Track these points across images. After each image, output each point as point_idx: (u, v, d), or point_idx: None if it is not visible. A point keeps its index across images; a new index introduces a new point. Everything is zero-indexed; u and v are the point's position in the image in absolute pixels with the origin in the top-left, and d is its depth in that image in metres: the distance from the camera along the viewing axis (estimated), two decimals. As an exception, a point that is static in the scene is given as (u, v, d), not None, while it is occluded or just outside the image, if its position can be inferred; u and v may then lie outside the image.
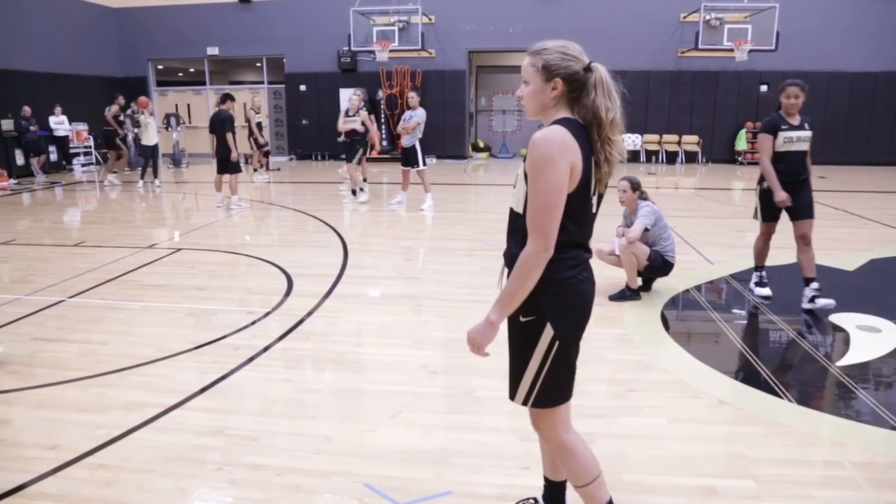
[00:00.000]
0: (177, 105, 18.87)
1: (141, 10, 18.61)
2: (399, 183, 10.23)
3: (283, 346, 4.38)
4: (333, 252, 7.00)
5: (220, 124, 9.54)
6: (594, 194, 2.07)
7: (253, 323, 4.81)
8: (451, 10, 16.69)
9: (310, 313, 5.02)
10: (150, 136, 12.82)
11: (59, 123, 15.25)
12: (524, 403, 2.16)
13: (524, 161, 1.99)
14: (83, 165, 16.41)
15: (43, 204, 11.57)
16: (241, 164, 10.23)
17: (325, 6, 17.10)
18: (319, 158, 18.11)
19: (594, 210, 2.11)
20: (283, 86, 18.34)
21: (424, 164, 9.70)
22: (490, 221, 8.67)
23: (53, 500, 2.73)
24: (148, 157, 12.96)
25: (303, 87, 17.96)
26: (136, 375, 3.92)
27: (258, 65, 20.96)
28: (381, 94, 17.21)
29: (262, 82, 19.10)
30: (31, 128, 14.35)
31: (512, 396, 2.18)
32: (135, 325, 4.86)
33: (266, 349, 4.31)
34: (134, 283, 5.96)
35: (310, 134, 18.14)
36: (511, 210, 2.11)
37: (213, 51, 18.44)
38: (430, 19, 16.53)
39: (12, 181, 13.58)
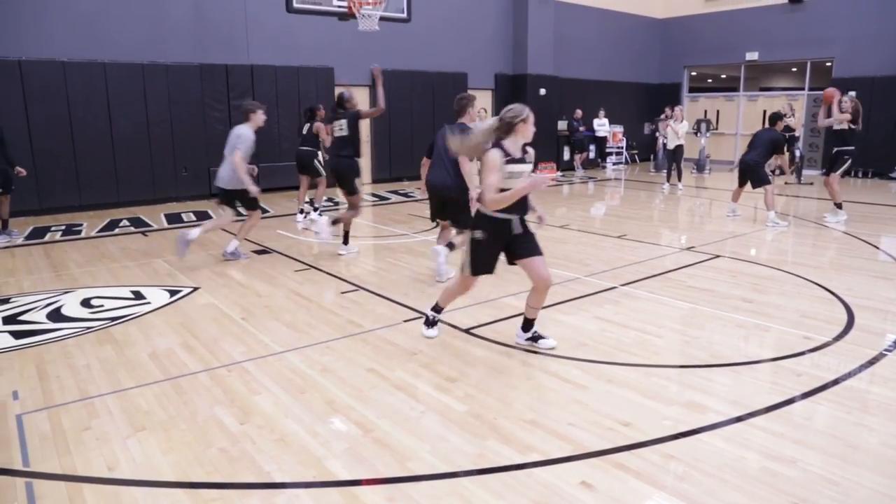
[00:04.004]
0: (706, 111, 18.95)
1: (683, 19, 19.25)
2: None
3: (853, 385, 3.87)
4: (899, 286, 5.99)
5: (769, 144, 9.08)
6: None
7: (812, 350, 4.40)
8: None
9: (882, 354, 4.35)
10: (673, 139, 13.20)
11: (601, 125, 16.94)
12: None
13: None
14: (614, 164, 17.95)
15: (581, 195, 13.03)
16: (770, 176, 9.54)
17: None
18: (860, 175, 15.91)
19: None
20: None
21: None
22: None
23: (632, 474, 2.93)
24: (671, 160, 13.41)
25: (851, 94, 15.93)
26: (694, 376, 3.96)
27: (793, 69, 19.54)
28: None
29: (800, 88, 17.69)
30: (580, 128, 16.35)
31: None
32: (685, 324, 4.96)
33: (833, 383, 3.88)
34: (678, 282, 6.13)
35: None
36: None
37: (752, 56, 17.87)
38: None
39: (559, 174, 15.73)
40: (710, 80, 22.04)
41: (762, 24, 17.44)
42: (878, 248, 7.74)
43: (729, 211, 9.98)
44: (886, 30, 15.15)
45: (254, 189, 6.86)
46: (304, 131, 9.75)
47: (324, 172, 9.49)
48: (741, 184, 9.57)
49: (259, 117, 7.06)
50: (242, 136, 6.90)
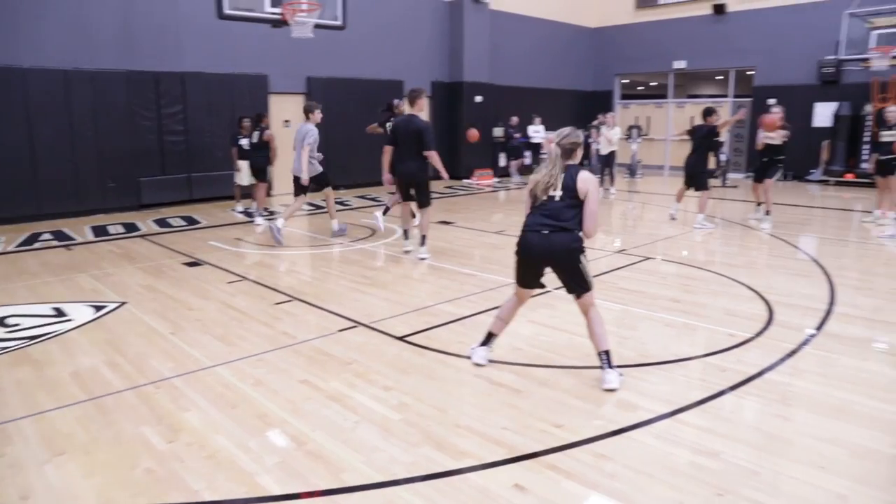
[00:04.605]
0: (637, 117, 19.52)
1: (614, 28, 19.83)
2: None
3: (774, 379, 4.04)
4: (816, 283, 6.27)
5: (702, 138, 9.43)
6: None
7: (737, 346, 4.58)
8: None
9: (799, 348, 4.55)
10: (606, 146, 13.56)
11: (537, 132, 17.21)
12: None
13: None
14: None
15: (517, 201, 13.20)
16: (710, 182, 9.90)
17: (810, 12, 15.64)
18: (783, 178, 16.64)
19: None
20: (748, 99, 17.38)
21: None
22: None
23: (564, 475, 2.97)
24: (604, 166, 13.77)
25: (772, 101, 16.69)
26: (625, 376, 4.04)
27: (718, 78, 20.34)
28: (868, 108, 14.95)
29: (724, 96, 18.43)
30: (515, 135, 16.58)
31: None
32: (617, 325, 5.07)
33: (755, 377, 4.04)
34: (610, 284, 6.27)
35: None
36: None
37: (679, 64, 18.52)
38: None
39: (495, 180, 15.89)
40: (640, 88, 22.75)
41: (689, 34, 18.10)
42: (797, 247, 8.12)
43: (672, 210, 10.25)
44: (802, 41, 15.94)
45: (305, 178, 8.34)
46: (255, 140, 10.13)
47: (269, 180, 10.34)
48: (686, 185, 9.87)
49: (318, 115, 8.46)
50: (310, 131, 8.32)
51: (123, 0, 11.10)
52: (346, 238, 8.86)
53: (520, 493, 2.83)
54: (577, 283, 3.98)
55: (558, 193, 3.89)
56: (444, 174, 7.62)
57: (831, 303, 5.64)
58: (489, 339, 4.28)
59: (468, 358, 4.34)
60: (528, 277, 4.13)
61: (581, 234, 3.93)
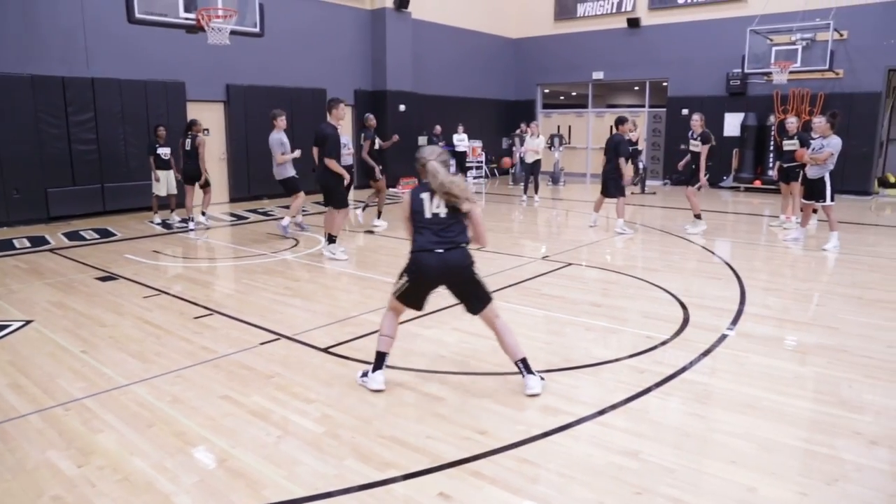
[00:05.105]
0: (559, 126, 20.00)
1: (535, 39, 20.29)
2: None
3: (689, 378, 4.21)
4: (728, 285, 6.59)
5: (615, 147, 9.75)
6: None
7: (653, 348, 4.75)
8: (868, 23, 14.61)
9: (713, 347, 4.77)
10: (531, 154, 13.83)
11: (461, 140, 17.39)
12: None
13: None
14: (474, 178, 18.46)
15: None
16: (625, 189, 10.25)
17: (718, 27, 16.49)
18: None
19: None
20: (663, 109, 18.12)
21: (832, 199, 8.58)
22: (919, 272, 7.27)
23: (488, 481, 3.00)
24: (528, 174, 14.05)
25: (685, 111, 17.50)
26: (549, 380, 4.12)
27: (636, 88, 21.12)
28: (772, 119, 15.86)
29: (641, 106, 19.15)
30: (440, 143, 16.68)
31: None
32: (539, 331, 5.18)
33: (671, 377, 4.20)
34: (533, 290, 6.40)
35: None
36: None
37: (598, 75, 19.12)
38: (841, 35, 14.69)
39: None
40: (562, 98, 23.33)
41: (606, 45, 18.72)
42: (712, 252, 8.50)
43: (591, 221, 10.55)
44: (711, 55, 16.76)
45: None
46: (188, 146, 10.32)
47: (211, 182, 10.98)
48: (603, 193, 10.15)
49: (281, 122, 9.37)
50: (274, 139, 9.27)
51: (24, 0, 10.53)
52: (269, 249, 8.69)
53: (444, 501, 2.84)
54: (478, 298, 3.94)
55: (443, 210, 3.83)
56: (346, 176, 7.92)
57: (742, 303, 5.94)
58: (381, 360, 4.05)
59: (394, 368, 4.32)
60: (418, 299, 4.00)
61: (469, 247, 3.92)
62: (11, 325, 5.44)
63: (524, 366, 3.96)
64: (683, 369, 4.35)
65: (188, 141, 10.37)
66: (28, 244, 9.18)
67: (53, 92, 10.93)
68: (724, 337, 5.02)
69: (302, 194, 9.65)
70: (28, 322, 5.52)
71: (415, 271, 3.88)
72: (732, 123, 16.59)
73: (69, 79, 11.10)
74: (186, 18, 9.12)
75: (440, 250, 3.80)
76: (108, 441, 3.41)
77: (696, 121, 9.93)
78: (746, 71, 15.22)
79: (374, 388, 4.01)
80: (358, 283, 6.90)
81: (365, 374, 4.09)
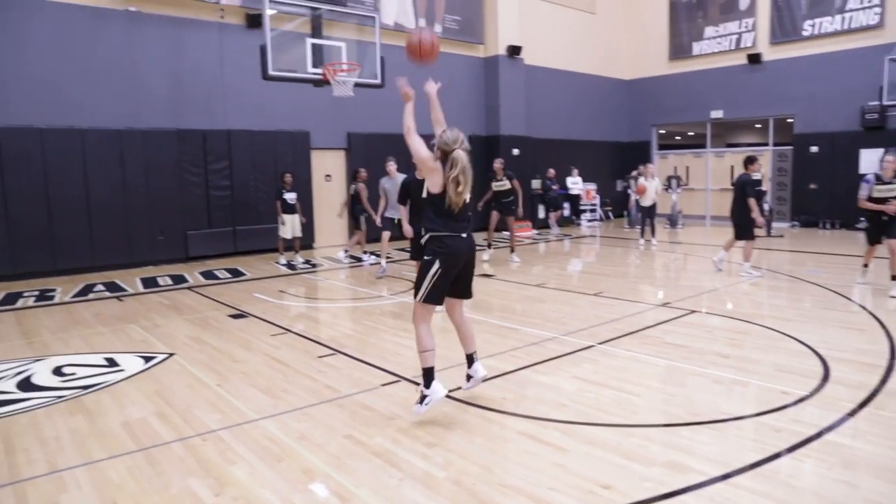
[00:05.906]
0: (675, 167, 19.44)
1: (649, 80, 19.99)
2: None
3: (833, 440, 3.88)
4: (874, 338, 6.06)
5: (741, 187, 9.36)
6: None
7: (791, 405, 4.43)
8: None
9: (860, 407, 4.38)
10: (648, 197, 13.46)
11: (575, 183, 17.30)
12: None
13: None
14: (589, 221, 18.24)
15: (557, 253, 13.18)
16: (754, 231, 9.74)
17: (849, 58, 15.62)
18: (828, 226, 16.32)
19: None
20: (789, 147, 17.21)
21: None
22: None
23: (615, 539, 2.88)
24: (645, 217, 13.68)
25: (814, 149, 16.55)
26: (674, 435, 3.95)
27: (757, 126, 20.22)
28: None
29: (765, 144, 18.29)
30: (553, 187, 16.67)
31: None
32: (664, 382, 4.97)
33: (813, 439, 3.89)
34: (655, 338, 6.17)
35: (818, 199, 16.56)
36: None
37: (716, 114, 18.51)
38: None
39: (534, 232, 15.93)
40: (678, 138, 22.72)
41: (725, 83, 18.15)
42: (850, 299, 7.88)
43: (717, 258, 10.11)
44: (841, 88, 15.83)
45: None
46: (352, 191, 11.83)
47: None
48: (736, 236, 9.72)
49: (390, 166, 10.04)
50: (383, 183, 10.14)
51: (173, 64, 11.66)
52: (388, 291, 8.94)
53: (570, 557, 2.75)
54: (471, 282, 4.32)
55: (468, 196, 4.12)
56: (406, 230, 7.78)
57: (893, 358, 5.44)
58: (431, 375, 4.16)
59: (513, 414, 4.29)
60: (444, 290, 4.18)
61: None
62: (157, 356, 5.89)
63: (474, 357, 4.48)
64: (827, 430, 4.01)
65: (352, 187, 11.70)
66: (170, 282, 9.96)
67: (195, 143, 11.95)
68: (872, 395, 4.61)
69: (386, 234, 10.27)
70: (171, 355, 5.95)
71: (448, 254, 4.09)
72: (870, 160, 15.48)
73: (209, 131, 12.09)
74: (314, 73, 9.72)
75: (465, 235, 4.14)
76: (241, 472, 3.58)
77: (892, 161, 8.15)
78: (885, 103, 14.25)
79: (440, 397, 4.16)
80: (475, 327, 6.90)
81: (421, 402, 4.19)
